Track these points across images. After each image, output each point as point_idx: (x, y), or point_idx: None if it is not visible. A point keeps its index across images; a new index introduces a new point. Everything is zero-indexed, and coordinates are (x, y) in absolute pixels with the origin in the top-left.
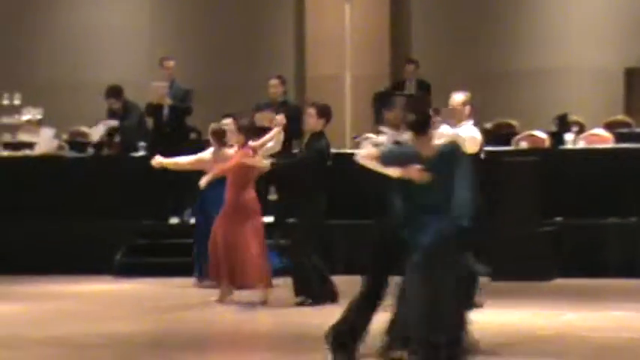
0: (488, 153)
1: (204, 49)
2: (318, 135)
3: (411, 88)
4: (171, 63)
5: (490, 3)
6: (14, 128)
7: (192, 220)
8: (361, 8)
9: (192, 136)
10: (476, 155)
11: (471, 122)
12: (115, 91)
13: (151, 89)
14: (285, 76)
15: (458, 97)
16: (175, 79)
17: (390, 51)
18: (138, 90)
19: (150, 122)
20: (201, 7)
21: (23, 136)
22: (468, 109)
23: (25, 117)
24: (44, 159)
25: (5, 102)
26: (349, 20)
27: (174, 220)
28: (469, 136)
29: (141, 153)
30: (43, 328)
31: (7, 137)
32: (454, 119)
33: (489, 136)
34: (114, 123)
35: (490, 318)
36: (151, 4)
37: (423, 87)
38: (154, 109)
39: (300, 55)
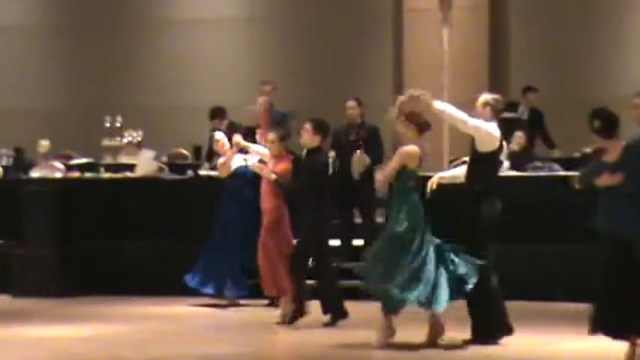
0: None
1: (301, 72)
2: (315, 151)
3: (524, 114)
4: (269, 86)
5: (590, 27)
6: (115, 150)
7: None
8: (460, 32)
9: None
10: (494, 153)
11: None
12: (218, 112)
13: (245, 113)
14: (362, 99)
15: (480, 98)
16: (273, 103)
17: (489, 75)
18: (237, 113)
19: None
20: (299, 30)
21: (124, 158)
22: (488, 110)
23: (126, 139)
24: (144, 180)
25: (107, 124)
26: (447, 44)
27: None
28: (487, 132)
29: None
30: (143, 350)
31: (108, 159)
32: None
33: None
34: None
35: None
36: (249, 28)
37: (537, 115)
38: (252, 133)
39: (397, 79)
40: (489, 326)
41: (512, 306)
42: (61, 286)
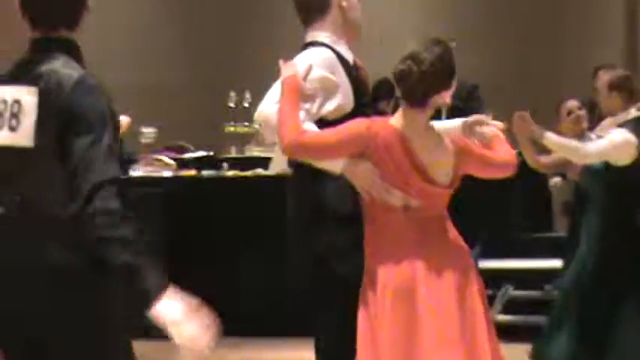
0: None
1: (507, 33)
2: None
3: None
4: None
5: None
6: (242, 139)
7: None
8: None
9: None
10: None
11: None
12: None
13: None
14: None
15: (601, 78)
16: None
17: None
18: None
19: None
20: None
21: (254, 150)
22: (615, 96)
23: (257, 125)
24: (281, 180)
25: (231, 104)
26: None
27: None
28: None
29: None
30: None
31: (233, 151)
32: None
33: None
34: None
35: None
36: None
37: None
38: None
39: (631, 42)
40: None
41: None
42: None
